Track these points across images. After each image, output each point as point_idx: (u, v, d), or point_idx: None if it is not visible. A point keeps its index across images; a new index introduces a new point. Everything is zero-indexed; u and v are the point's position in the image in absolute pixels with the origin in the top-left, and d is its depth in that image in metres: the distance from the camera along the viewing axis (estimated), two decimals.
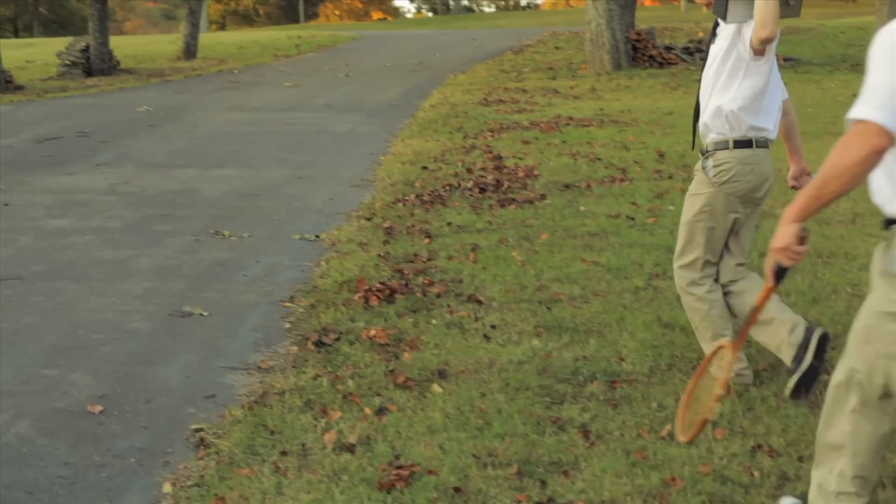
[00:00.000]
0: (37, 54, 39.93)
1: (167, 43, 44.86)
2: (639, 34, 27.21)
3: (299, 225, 9.88)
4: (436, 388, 5.59)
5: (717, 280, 5.76)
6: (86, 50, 31.24)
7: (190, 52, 37.20)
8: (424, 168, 12.54)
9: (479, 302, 7.10)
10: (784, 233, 3.60)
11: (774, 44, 5.41)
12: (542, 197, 10.53)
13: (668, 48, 27.53)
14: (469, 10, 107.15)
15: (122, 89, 25.98)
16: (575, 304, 6.97)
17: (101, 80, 29.10)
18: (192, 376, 6.00)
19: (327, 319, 6.80)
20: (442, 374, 5.78)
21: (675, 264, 5.82)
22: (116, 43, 37.16)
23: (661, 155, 12.88)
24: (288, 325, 6.87)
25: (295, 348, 6.35)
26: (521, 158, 12.87)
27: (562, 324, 6.57)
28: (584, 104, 19.60)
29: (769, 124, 5.55)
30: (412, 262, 8.24)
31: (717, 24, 5.64)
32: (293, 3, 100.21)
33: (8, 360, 6.28)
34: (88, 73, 30.80)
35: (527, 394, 5.49)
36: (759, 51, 5.37)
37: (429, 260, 8.27)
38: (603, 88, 22.51)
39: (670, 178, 11.40)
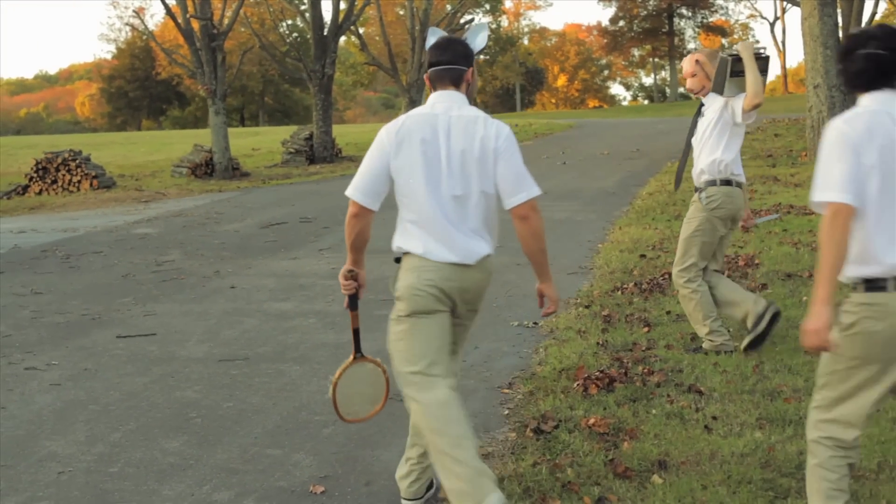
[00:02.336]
0: (262, 142, 41.36)
1: None
2: None
3: (517, 311, 9.91)
4: (656, 478, 5.51)
5: (704, 278, 8.18)
6: (309, 138, 32.17)
7: None
8: (643, 256, 12.48)
9: (700, 392, 6.99)
10: (342, 272, 5.19)
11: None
12: (764, 286, 10.35)
13: None
14: (685, 97, 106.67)
15: (343, 176, 26.65)
16: (798, 396, 6.78)
17: (323, 168, 29.92)
18: None
19: (546, 407, 6.79)
20: (662, 465, 5.70)
21: (675, 269, 8.25)
22: (338, 131, 38.23)
23: None
24: (506, 412, 6.87)
25: (514, 435, 6.35)
26: (741, 247, 12.69)
27: (785, 416, 6.41)
28: (806, 192, 19.20)
29: (742, 171, 8.06)
30: (631, 350, 8.18)
31: (702, 105, 8.16)
32: (510, 91, 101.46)
33: (234, 439, 6.45)
34: (311, 160, 31.70)
35: (749, 487, 5.36)
36: (748, 115, 7.79)
37: (648, 349, 8.21)
38: None
39: None
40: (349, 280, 5.17)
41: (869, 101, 4.33)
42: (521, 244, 4.99)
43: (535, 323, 9.36)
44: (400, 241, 5.05)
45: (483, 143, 4.91)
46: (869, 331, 4.20)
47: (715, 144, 7.95)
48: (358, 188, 4.98)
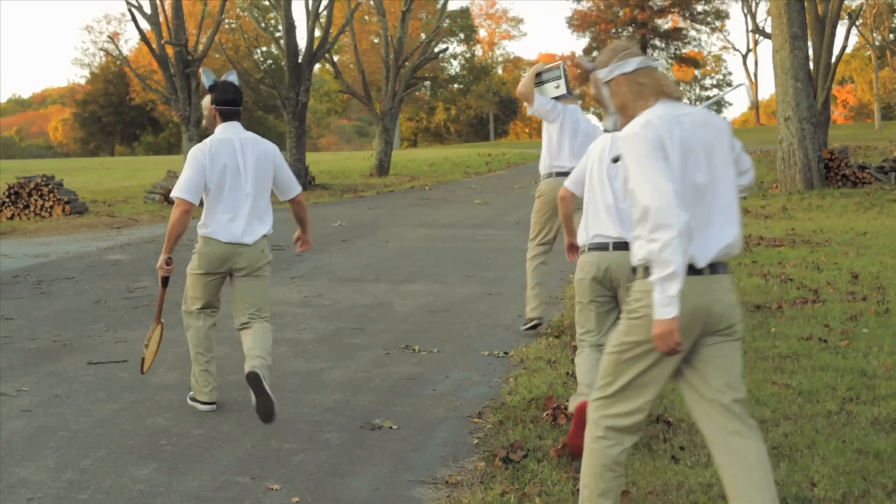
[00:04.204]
0: None
1: (360, 160, 45.93)
2: (832, 153, 26.91)
3: (488, 341, 9.97)
4: None
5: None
6: None
7: (383, 168, 38.01)
8: None
9: (668, 423, 7.04)
10: (160, 260, 7.55)
11: (556, 114, 9.91)
12: None
13: (862, 167, 27.12)
14: None
15: (316, 204, 26.67)
16: (765, 427, 6.84)
17: None
18: (381, 488, 6.07)
19: (515, 436, 6.83)
20: (629, 495, 5.74)
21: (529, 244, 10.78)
22: (312, 159, 38.18)
23: (855, 276, 12.63)
24: (476, 441, 6.91)
25: (483, 464, 6.39)
26: None
27: None
28: (776, 224, 19.40)
29: (566, 163, 9.71)
30: None
31: None
32: (484, 120, 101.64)
33: (204, 467, 6.46)
34: None
35: None
36: (529, 108, 10.06)
37: None
38: (795, 208, 22.26)
39: (864, 299, 11.16)
40: (170, 265, 7.55)
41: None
42: (294, 217, 7.90)
43: (506, 353, 9.41)
44: (203, 227, 7.45)
45: (266, 157, 7.51)
46: None
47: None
48: (185, 190, 7.24)
